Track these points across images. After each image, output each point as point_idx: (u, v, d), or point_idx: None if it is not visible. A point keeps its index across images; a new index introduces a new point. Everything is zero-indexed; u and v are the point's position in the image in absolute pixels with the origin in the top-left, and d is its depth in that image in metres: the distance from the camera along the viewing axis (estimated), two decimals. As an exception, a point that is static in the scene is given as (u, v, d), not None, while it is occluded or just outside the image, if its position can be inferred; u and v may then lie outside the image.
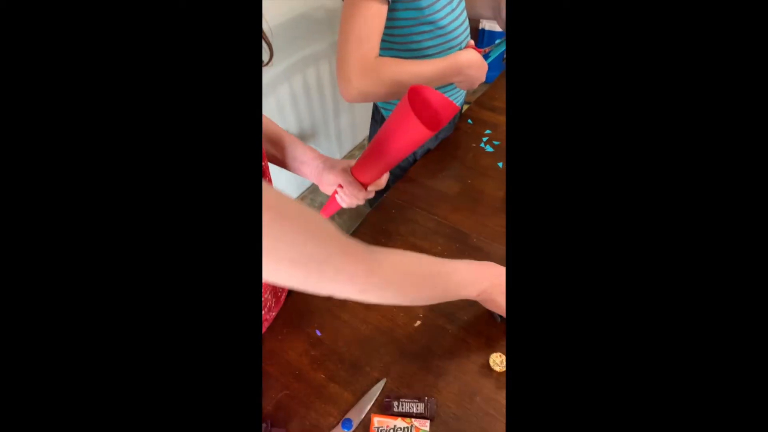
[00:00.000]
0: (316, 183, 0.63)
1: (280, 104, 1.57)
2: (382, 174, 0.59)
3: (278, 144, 0.64)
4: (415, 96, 0.49)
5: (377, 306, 0.67)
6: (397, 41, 0.75)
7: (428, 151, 0.95)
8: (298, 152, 0.64)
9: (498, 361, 0.58)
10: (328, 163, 0.61)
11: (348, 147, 2.12)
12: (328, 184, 0.61)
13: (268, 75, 1.46)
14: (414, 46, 0.76)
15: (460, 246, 0.75)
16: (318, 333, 0.64)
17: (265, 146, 0.63)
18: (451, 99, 0.49)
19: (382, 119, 0.93)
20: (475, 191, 0.85)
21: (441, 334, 0.63)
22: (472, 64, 0.75)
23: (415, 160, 0.94)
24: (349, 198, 0.60)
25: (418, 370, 0.59)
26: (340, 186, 0.60)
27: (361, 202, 0.61)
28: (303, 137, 1.78)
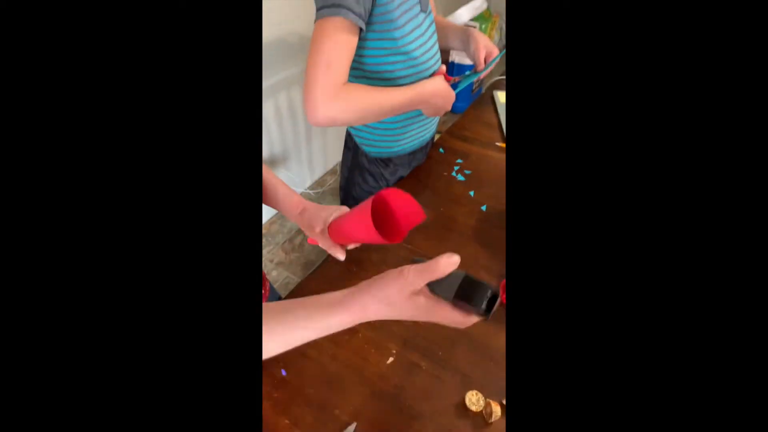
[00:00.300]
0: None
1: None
2: (354, 244, 0.59)
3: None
4: (379, 203, 0.49)
5: (347, 342, 0.63)
6: (369, 69, 0.75)
7: (400, 179, 0.94)
8: (280, 196, 0.63)
9: (474, 399, 0.56)
10: (307, 220, 0.60)
11: (319, 172, 2.09)
12: (311, 235, 0.61)
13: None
14: (386, 75, 0.75)
15: (433, 276, 0.73)
16: (283, 372, 0.60)
17: None
18: (416, 206, 0.49)
19: (355, 146, 0.91)
20: (447, 219, 0.84)
21: (414, 372, 0.60)
22: (437, 93, 0.75)
23: (387, 185, 0.93)
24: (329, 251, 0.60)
25: (390, 412, 0.56)
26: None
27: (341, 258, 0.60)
28: (274, 161, 1.74)
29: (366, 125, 0.85)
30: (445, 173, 0.95)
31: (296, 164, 1.88)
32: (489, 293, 0.37)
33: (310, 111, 0.65)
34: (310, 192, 2.01)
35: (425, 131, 0.91)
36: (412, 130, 0.87)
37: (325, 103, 0.64)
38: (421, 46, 0.75)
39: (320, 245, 0.59)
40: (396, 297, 0.38)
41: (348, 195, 0.99)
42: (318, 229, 0.57)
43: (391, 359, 0.61)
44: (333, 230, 0.56)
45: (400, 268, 0.38)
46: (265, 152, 1.67)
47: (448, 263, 0.37)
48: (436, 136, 1.07)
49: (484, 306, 0.37)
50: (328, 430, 0.54)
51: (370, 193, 0.95)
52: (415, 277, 0.37)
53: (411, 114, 0.84)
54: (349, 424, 0.54)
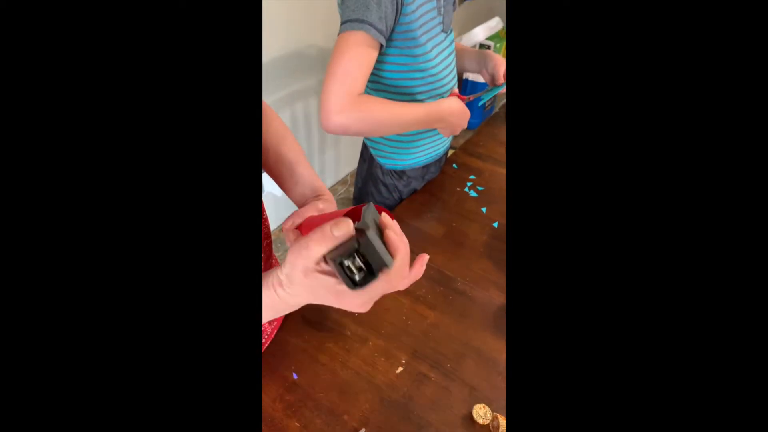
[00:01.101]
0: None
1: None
2: None
3: (282, 152, 0.52)
4: (357, 215, 0.40)
5: (357, 350, 0.65)
6: (387, 83, 0.78)
7: (414, 191, 0.96)
8: (300, 170, 0.51)
9: (482, 413, 0.57)
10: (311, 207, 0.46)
11: (330, 182, 2.12)
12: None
13: (256, 106, 1.47)
14: (404, 89, 0.78)
15: (444, 290, 0.74)
16: (294, 376, 0.61)
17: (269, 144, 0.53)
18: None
19: (370, 157, 0.94)
20: (459, 234, 0.85)
21: (423, 382, 0.61)
22: (453, 112, 0.78)
23: (401, 199, 0.95)
24: None
25: (398, 420, 0.57)
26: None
27: None
28: (286, 169, 1.77)
29: (382, 137, 0.88)
30: (458, 188, 0.97)
31: (309, 173, 1.91)
32: (370, 270, 0.29)
33: (323, 117, 0.68)
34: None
35: (439, 145, 0.94)
36: (427, 143, 0.90)
37: (339, 111, 0.66)
38: (439, 63, 0.78)
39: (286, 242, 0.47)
40: (294, 273, 0.31)
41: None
42: (288, 224, 0.45)
43: (400, 369, 0.62)
44: (305, 228, 0.46)
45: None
46: (280, 160, 1.70)
47: (338, 225, 0.29)
48: (450, 152, 1.10)
49: (355, 280, 0.29)
50: (337, 435, 0.55)
51: (383, 204, 0.97)
52: (315, 245, 0.30)
53: (427, 130, 0.87)
54: (357, 430, 0.55)
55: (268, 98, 1.49)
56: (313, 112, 1.74)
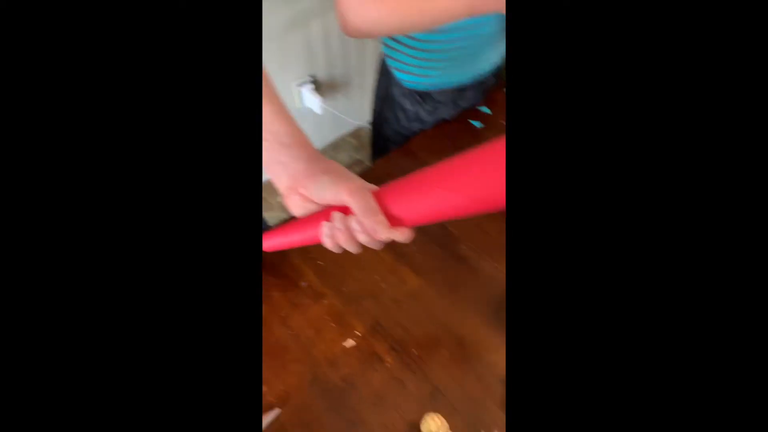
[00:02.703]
0: (283, 192, 0.36)
1: (310, 42, 1.39)
2: (435, 219, 0.32)
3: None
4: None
5: (306, 307, 0.51)
6: None
7: (443, 121, 0.74)
8: (283, 130, 0.36)
9: (433, 426, 0.41)
10: (321, 166, 0.35)
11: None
12: (311, 199, 0.35)
13: (298, 6, 1.27)
14: None
15: (441, 252, 0.56)
16: (223, 324, 0.50)
17: None
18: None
19: (387, 71, 0.72)
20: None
21: (374, 366, 0.47)
22: None
23: (422, 128, 0.75)
24: (354, 234, 0.33)
25: (325, 409, 0.44)
26: (343, 211, 0.33)
27: (377, 246, 0.34)
28: (334, 86, 1.59)
29: (399, 41, 0.65)
30: (503, 122, 0.73)
31: (358, 92, 1.72)
32: None
33: (340, 17, 0.51)
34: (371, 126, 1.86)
35: (482, 60, 0.69)
36: (462, 54, 0.65)
37: (359, 5, 0.48)
38: None
39: (335, 222, 0.33)
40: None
41: (378, 134, 0.82)
42: (350, 183, 0.33)
43: (350, 342, 0.48)
44: (401, 188, 0.33)
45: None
46: (325, 74, 1.52)
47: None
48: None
49: None
50: (248, 407, 0.44)
51: (400, 136, 0.77)
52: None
53: (461, 33, 0.62)
54: (271, 408, 0.43)
55: (273, 17, 1.27)
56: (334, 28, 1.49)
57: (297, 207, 0.36)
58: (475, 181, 0.30)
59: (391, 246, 0.56)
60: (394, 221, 0.32)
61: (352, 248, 0.34)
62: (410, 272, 0.54)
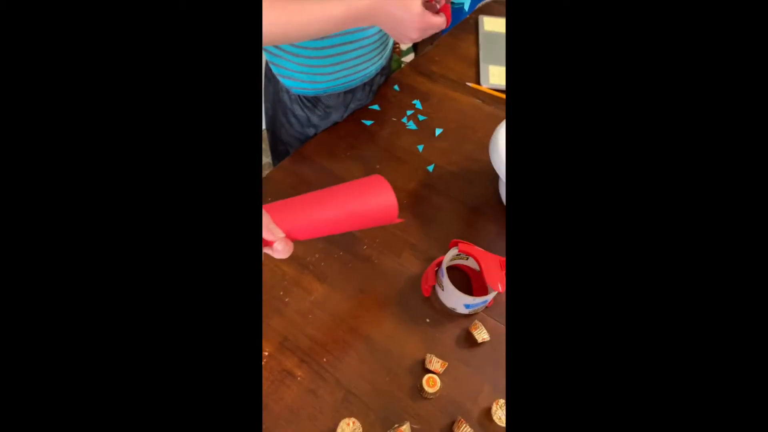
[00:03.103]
0: None
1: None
2: (317, 235, 0.39)
3: None
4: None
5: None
6: None
7: (335, 124, 0.75)
8: None
9: (348, 431, 0.42)
10: None
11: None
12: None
13: None
14: None
15: (344, 255, 0.57)
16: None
17: None
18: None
19: (274, 77, 0.71)
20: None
21: (285, 383, 0.46)
22: (398, 4, 0.48)
23: (316, 133, 0.75)
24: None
25: (237, 437, 0.43)
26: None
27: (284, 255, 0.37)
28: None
29: (284, 49, 0.65)
30: (394, 119, 0.75)
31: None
32: None
33: None
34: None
35: (368, 63, 0.70)
36: (348, 59, 0.66)
37: None
38: None
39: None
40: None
41: (276, 139, 0.81)
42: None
43: (265, 353, 0.48)
44: (285, 207, 0.39)
45: None
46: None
47: None
48: (397, 67, 0.86)
49: None
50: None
51: (296, 140, 0.76)
52: None
53: (346, 38, 0.63)
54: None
55: None
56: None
57: None
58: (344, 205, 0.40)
59: (293, 258, 0.56)
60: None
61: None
62: (314, 280, 0.54)
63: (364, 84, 0.74)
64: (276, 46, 0.65)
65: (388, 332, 0.50)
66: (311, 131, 0.74)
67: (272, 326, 0.50)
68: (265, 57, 0.70)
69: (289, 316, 0.51)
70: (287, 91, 0.70)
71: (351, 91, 0.73)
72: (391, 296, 0.53)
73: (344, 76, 0.69)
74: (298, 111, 0.72)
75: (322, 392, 0.46)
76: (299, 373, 0.47)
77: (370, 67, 0.71)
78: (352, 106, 0.75)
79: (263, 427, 0.43)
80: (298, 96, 0.70)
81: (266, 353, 0.48)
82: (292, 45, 0.63)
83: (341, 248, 0.58)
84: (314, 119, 0.73)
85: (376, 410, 0.45)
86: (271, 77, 0.72)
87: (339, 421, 0.43)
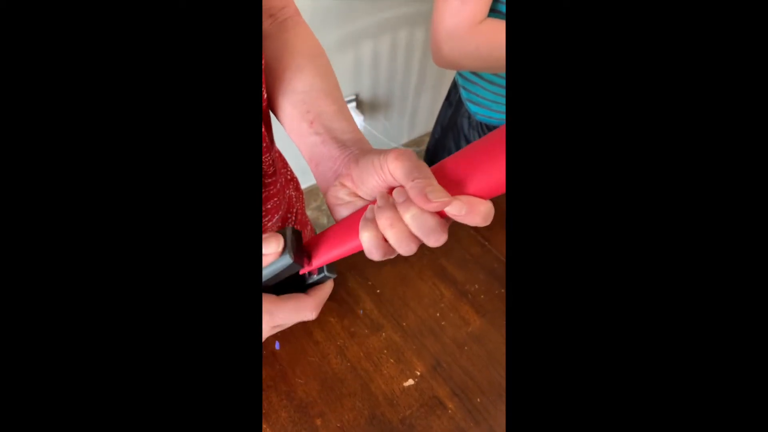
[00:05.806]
0: (330, 188, 0.34)
1: (359, 62, 1.40)
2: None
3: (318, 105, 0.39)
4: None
5: (365, 338, 0.49)
6: None
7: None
8: (342, 127, 0.37)
9: (504, 490, 0.38)
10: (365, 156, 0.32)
11: (420, 131, 1.92)
12: (356, 191, 0.32)
13: (352, 26, 1.29)
14: None
15: (506, 293, 0.54)
16: (277, 346, 0.48)
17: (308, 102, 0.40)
18: None
19: (459, 102, 0.72)
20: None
21: (435, 412, 0.44)
22: None
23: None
24: (400, 211, 0.27)
25: (384, 453, 0.41)
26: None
27: (429, 236, 0.28)
28: (375, 106, 1.60)
29: (481, 77, 0.65)
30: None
31: (397, 114, 1.73)
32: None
33: (434, 48, 0.54)
34: (422, 151, 1.86)
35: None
36: None
37: (452, 41, 0.51)
38: None
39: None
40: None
41: (434, 162, 0.81)
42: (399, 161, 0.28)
43: (410, 382, 0.46)
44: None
45: None
46: (368, 94, 1.53)
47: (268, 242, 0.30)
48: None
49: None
50: (301, 441, 0.41)
51: None
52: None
53: None
54: (327, 446, 0.41)
55: (365, 19, 1.30)
56: (418, 43, 1.51)
57: (341, 203, 0.33)
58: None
59: (452, 281, 0.54)
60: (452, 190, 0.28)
61: (396, 240, 0.28)
62: (472, 312, 0.52)
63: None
64: (473, 72, 0.66)
65: (551, 392, 0.45)
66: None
67: (427, 346, 0.48)
68: (458, 82, 0.71)
69: (444, 341, 0.49)
70: (469, 117, 0.70)
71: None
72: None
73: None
74: (475, 137, 0.71)
75: (474, 435, 0.42)
76: (450, 406, 0.44)
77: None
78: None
79: (409, 451, 0.41)
80: (480, 123, 0.70)
81: (418, 372, 0.46)
82: (496, 75, 0.63)
83: (503, 285, 0.54)
84: (485, 147, 0.72)
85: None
86: (455, 102, 0.72)
87: (491, 474, 0.39)
